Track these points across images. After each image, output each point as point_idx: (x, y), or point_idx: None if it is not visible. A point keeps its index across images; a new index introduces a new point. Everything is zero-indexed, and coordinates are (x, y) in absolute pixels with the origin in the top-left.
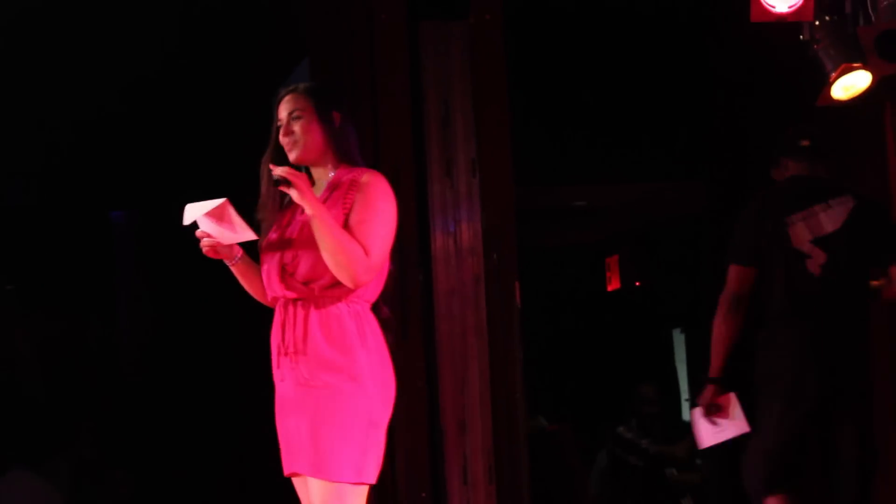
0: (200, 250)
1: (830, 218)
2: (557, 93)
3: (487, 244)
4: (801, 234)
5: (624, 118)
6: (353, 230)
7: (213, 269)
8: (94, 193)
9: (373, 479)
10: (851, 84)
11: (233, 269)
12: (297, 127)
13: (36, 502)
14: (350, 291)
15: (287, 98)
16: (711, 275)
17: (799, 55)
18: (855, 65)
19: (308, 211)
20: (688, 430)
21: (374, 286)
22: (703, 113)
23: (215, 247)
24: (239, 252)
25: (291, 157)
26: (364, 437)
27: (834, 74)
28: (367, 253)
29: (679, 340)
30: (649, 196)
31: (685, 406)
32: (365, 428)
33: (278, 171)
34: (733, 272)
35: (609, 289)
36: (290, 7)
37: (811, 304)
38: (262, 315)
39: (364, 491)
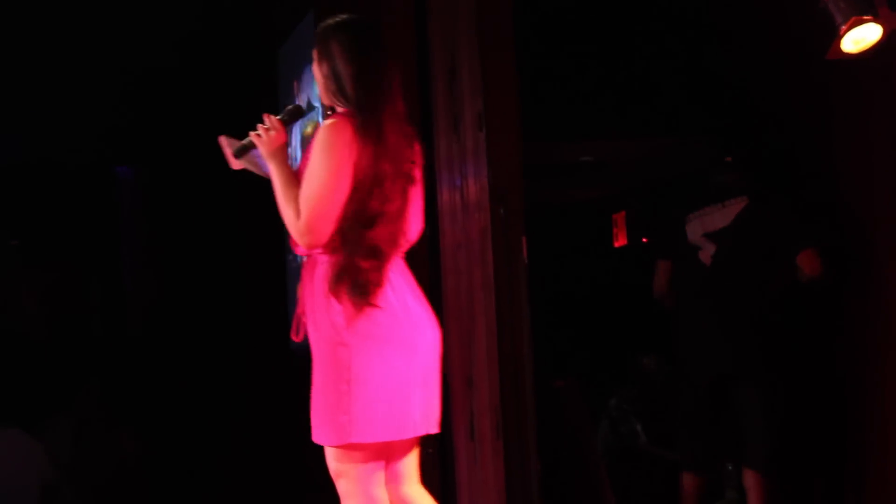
0: (205, 207)
1: (723, 216)
2: (564, 47)
3: (494, 199)
4: (695, 229)
5: (631, 72)
6: (301, 189)
7: (219, 225)
8: (99, 148)
9: (364, 439)
10: (862, 37)
11: None
12: (312, 69)
13: (30, 462)
14: (334, 245)
15: None
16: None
17: (809, 7)
18: (865, 17)
19: (268, 168)
20: None
21: (351, 235)
22: (711, 67)
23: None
24: None
25: None
26: (340, 396)
27: (844, 27)
28: (298, 215)
29: None
30: (656, 151)
31: None
32: (342, 385)
33: (250, 136)
34: (658, 266)
35: (616, 245)
36: None
37: (703, 289)
38: (269, 271)
39: (362, 452)
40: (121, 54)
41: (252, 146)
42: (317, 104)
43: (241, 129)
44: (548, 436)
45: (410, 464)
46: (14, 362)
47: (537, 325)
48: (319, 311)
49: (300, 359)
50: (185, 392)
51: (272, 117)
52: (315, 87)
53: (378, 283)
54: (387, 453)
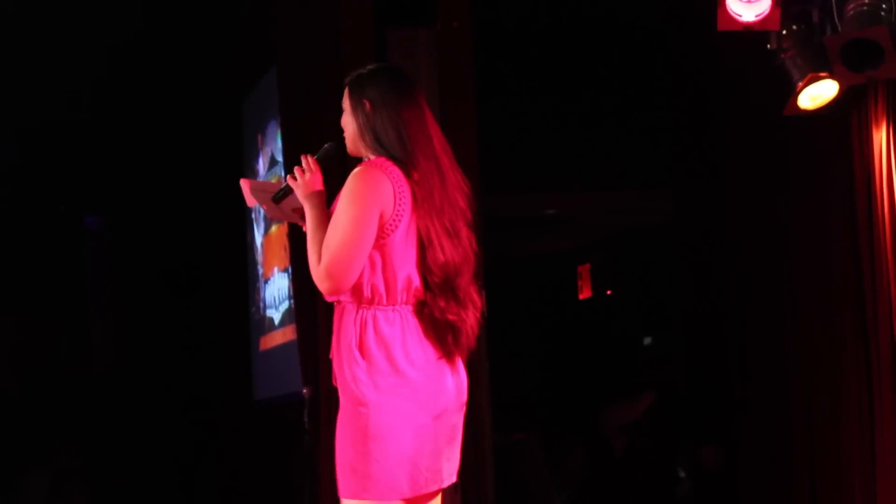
0: (171, 256)
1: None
2: (526, 101)
3: None
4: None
5: (593, 127)
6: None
7: (183, 275)
8: (67, 198)
9: (384, 497)
10: (818, 93)
11: None
12: (342, 121)
13: None
14: (359, 296)
15: None
16: (682, 282)
17: (766, 64)
18: (821, 74)
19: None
20: None
21: (377, 291)
22: (672, 122)
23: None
24: None
25: None
26: (362, 452)
27: (801, 84)
28: (318, 260)
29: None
30: (619, 205)
31: None
32: (362, 441)
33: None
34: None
35: (581, 297)
36: (259, 15)
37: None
38: (233, 325)
39: None
40: (88, 104)
41: (290, 191)
42: (279, 158)
43: (205, 180)
44: (507, 490)
45: None
46: None
47: (499, 377)
48: (343, 362)
49: (264, 412)
50: (150, 445)
51: (310, 158)
52: (279, 140)
53: (402, 338)
54: None
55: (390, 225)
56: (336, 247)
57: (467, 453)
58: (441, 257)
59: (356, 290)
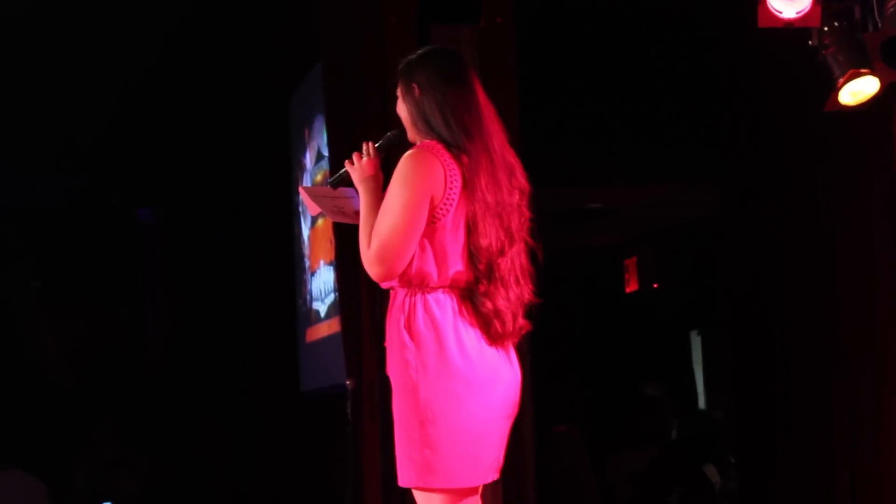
0: (221, 250)
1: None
2: (570, 96)
3: None
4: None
5: (638, 120)
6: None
7: (234, 268)
8: (120, 191)
9: (445, 484)
10: (859, 90)
11: None
12: (397, 109)
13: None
14: (408, 281)
15: None
16: (727, 277)
17: (809, 59)
18: (863, 70)
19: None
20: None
21: (426, 275)
22: (718, 116)
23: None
24: None
25: None
26: (416, 438)
27: (842, 80)
28: (368, 244)
29: (696, 342)
30: (665, 198)
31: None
32: (417, 427)
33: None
34: None
35: (627, 290)
36: (303, 12)
37: None
38: (280, 315)
39: (447, 497)
40: (139, 97)
41: (346, 175)
42: (325, 153)
43: (254, 174)
44: (547, 481)
45: None
46: (35, 403)
47: (543, 370)
48: (394, 347)
49: (310, 402)
50: (198, 435)
51: (370, 144)
52: (325, 134)
53: (458, 321)
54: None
55: (441, 209)
56: (386, 232)
57: (508, 445)
58: (484, 241)
59: (405, 275)
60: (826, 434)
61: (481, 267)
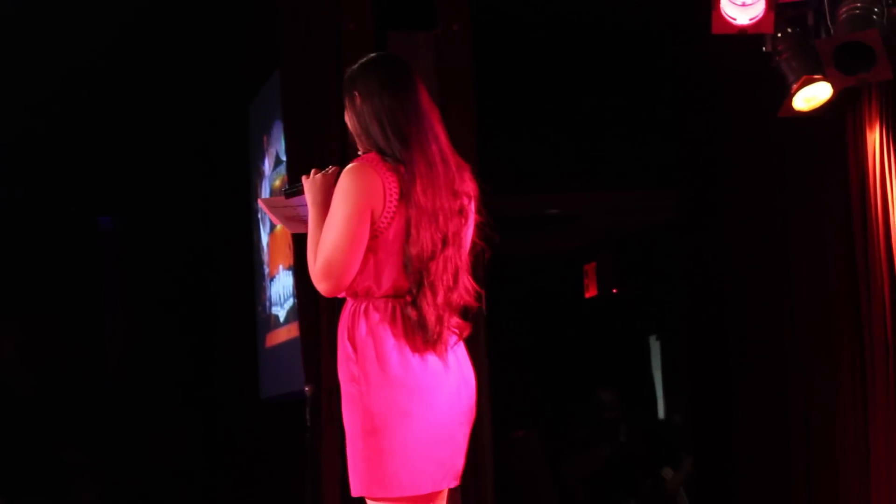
0: (181, 255)
1: None
2: (528, 102)
3: None
4: None
5: (596, 126)
6: None
7: (196, 273)
8: (80, 199)
9: (392, 493)
10: (812, 95)
11: None
12: (345, 119)
13: None
14: (353, 291)
15: None
16: (687, 282)
17: (763, 65)
18: (816, 76)
19: None
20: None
21: (367, 286)
22: (676, 122)
23: None
24: None
25: None
26: (361, 448)
27: (795, 86)
28: (315, 260)
29: (655, 347)
30: (624, 204)
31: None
32: (362, 437)
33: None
34: None
35: (587, 295)
36: (262, 19)
37: None
38: (242, 323)
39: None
40: (97, 104)
41: (301, 190)
42: (284, 158)
43: (213, 180)
44: (506, 486)
45: None
46: None
47: (503, 375)
48: (341, 359)
49: (269, 410)
50: (158, 442)
51: (336, 168)
52: (283, 141)
53: (395, 330)
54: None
55: (382, 222)
56: (330, 247)
57: (468, 451)
58: (414, 249)
59: (351, 287)
60: (782, 435)
61: (411, 275)
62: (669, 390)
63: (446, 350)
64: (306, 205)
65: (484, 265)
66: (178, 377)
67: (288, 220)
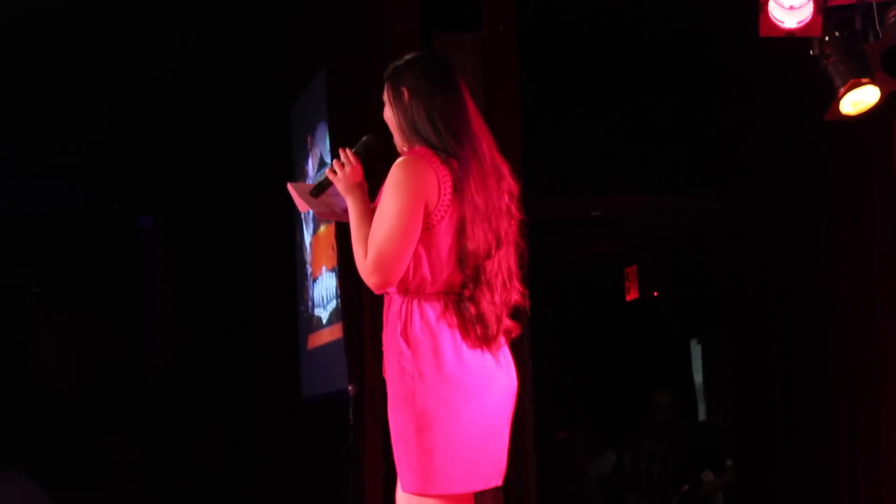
0: (224, 254)
1: None
2: (571, 104)
3: None
4: None
5: (639, 128)
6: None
7: (236, 274)
8: (121, 198)
9: (438, 490)
10: (860, 99)
11: None
12: (384, 115)
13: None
14: (405, 286)
15: None
16: (727, 285)
17: (809, 69)
18: (863, 80)
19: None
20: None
21: (422, 280)
22: (719, 124)
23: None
24: None
25: None
26: (413, 445)
27: (842, 89)
28: (364, 254)
29: (696, 351)
30: (665, 207)
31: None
32: (414, 434)
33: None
34: None
35: (628, 298)
36: (307, 19)
37: None
38: (282, 322)
39: (436, 503)
40: (142, 104)
41: (329, 184)
42: (328, 160)
43: (256, 181)
44: (549, 487)
45: None
46: (36, 409)
47: (545, 377)
48: (391, 355)
49: (311, 408)
50: (200, 442)
51: (348, 151)
52: (327, 141)
53: (451, 327)
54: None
55: (435, 216)
56: (383, 240)
57: (511, 451)
58: (471, 245)
59: (402, 282)
60: (826, 442)
61: (468, 271)
62: (710, 394)
63: (500, 349)
64: (335, 194)
65: (526, 266)
66: (219, 377)
67: (318, 208)
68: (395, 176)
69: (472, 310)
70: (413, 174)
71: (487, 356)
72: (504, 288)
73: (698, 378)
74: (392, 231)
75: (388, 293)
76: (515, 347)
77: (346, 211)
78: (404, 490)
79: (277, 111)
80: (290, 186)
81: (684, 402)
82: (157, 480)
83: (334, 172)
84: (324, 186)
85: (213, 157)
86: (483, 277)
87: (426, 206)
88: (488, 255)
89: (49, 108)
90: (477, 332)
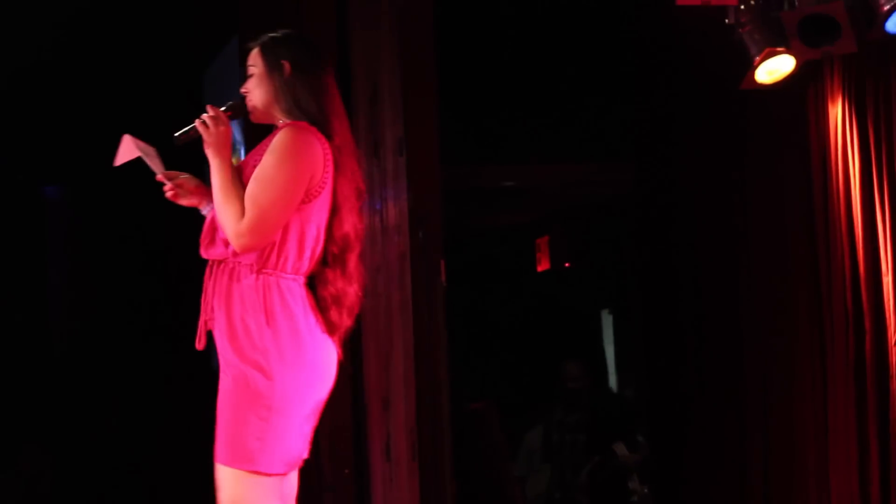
0: (132, 226)
1: None
2: (486, 72)
3: (413, 223)
4: None
5: (553, 98)
6: (247, 189)
7: (148, 248)
8: (26, 167)
9: (272, 469)
10: (775, 68)
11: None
12: (249, 83)
13: None
14: (264, 260)
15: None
16: (640, 256)
17: (724, 37)
18: (778, 49)
19: (210, 162)
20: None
21: (286, 257)
22: (632, 95)
23: (177, 193)
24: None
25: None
26: (258, 425)
27: (758, 58)
28: (241, 214)
29: (607, 321)
30: (579, 177)
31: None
32: (262, 414)
33: (202, 117)
34: None
35: (539, 269)
36: None
37: None
38: (196, 293)
39: (264, 481)
40: (46, 71)
41: (197, 135)
42: (238, 135)
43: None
44: (464, 458)
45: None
46: None
47: (458, 348)
48: (240, 328)
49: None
50: (108, 424)
51: (218, 110)
52: None
53: (310, 309)
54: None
55: (315, 190)
56: (265, 201)
57: (425, 423)
58: (344, 227)
59: (263, 253)
60: (739, 412)
61: (335, 251)
62: (621, 365)
63: (340, 337)
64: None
65: (440, 237)
66: (128, 357)
67: (170, 189)
68: (284, 141)
69: (332, 290)
70: (303, 143)
71: (331, 342)
72: (358, 275)
73: (610, 350)
74: (276, 194)
75: (224, 262)
76: (429, 317)
77: (193, 196)
78: (224, 463)
79: (187, 80)
80: (126, 138)
81: (595, 373)
82: (69, 452)
83: (206, 127)
84: (190, 135)
85: (121, 126)
86: (345, 265)
87: (310, 178)
88: (356, 240)
89: None
90: (331, 318)
